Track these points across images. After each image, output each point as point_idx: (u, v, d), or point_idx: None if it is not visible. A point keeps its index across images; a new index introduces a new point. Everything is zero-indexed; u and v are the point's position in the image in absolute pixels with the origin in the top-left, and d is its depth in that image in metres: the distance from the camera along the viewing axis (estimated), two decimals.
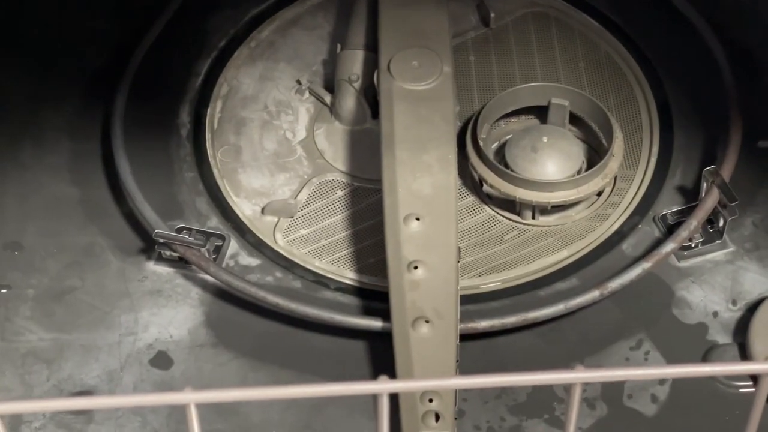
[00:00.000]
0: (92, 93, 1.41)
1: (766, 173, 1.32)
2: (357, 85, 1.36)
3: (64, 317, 1.25)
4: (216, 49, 1.45)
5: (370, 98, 1.37)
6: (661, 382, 1.18)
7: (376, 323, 1.19)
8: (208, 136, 1.38)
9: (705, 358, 1.19)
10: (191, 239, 1.25)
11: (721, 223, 1.26)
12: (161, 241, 1.24)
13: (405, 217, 1.18)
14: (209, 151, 1.37)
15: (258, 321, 1.24)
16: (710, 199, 1.25)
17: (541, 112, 1.37)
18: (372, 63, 1.36)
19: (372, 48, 1.37)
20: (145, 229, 1.29)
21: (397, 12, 1.34)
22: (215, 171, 1.36)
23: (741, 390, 1.17)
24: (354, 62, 1.37)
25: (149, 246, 1.28)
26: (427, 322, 1.13)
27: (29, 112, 1.39)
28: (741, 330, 1.20)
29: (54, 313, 1.25)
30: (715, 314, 1.23)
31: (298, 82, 1.42)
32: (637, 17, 1.45)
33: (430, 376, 1.12)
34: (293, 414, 1.17)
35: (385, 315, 1.17)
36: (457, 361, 1.14)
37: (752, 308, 1.22)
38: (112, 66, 1.42)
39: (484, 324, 1.19)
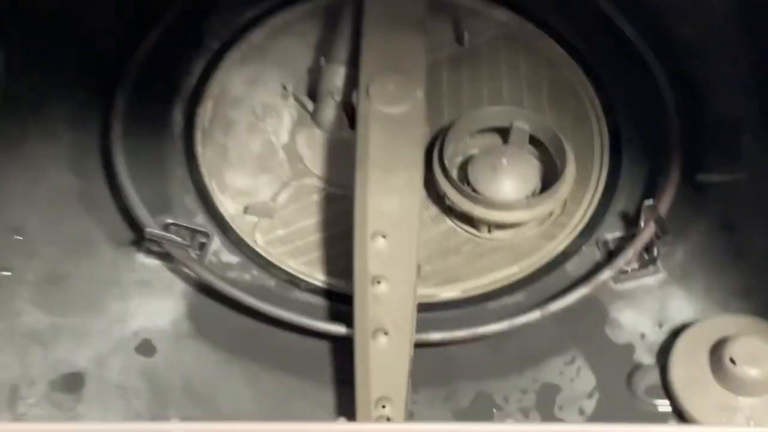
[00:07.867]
0: (96, 88, 1.52)
1: (701, 205, 1.46)
2: (337, 97, 1.49)
3: (59, 302, 1.38)
4: (211, 51, 1.56)
5: (349, 110, 1.49)
6: (590, 395, 1.33)
7: (340, 329, 1.33)
8: (198, 135, 1.50)
9: (629, 378, 1.34)
10: (179, 240, 1.38)
11: (656, 252, 1.40)
12: (152, 238, 1.38)
13: (372, 234, 1.32)
14: (199, 150, 1.49)
15: (235, 317, 1.37)
16: (647, 232, 1.39)
17: (503, 131, 1.50)
18: (352, 79, 1.47)
19: (353, 64, 1.49)
20: (137, 224, 1.42)
21: (378, 35, 1.46)
22: (203, 169, 1.48)
23: (660, 409, 1.32)
24: (336, 77, 1.49)
25: (140, 239, 1.41)
26: (385, 334, 1.28)
27: (34, 103, 1.51)
28: (664, 353, 1.35)
29: (51, 298, 1.38)
30: (643, 336, 1.37)
31: (284, 87, 1.54)
32: (599, 47, 1.57)
33: (385, 383, 1.27)
34: (262, 406, 1.32)
35: (349, 320, 1.31)
36: (411, 370, 1.28)
37: (675, 332, 1.36)
38: (116, 63, 1.52)
39: (436, 336, 1.34)
